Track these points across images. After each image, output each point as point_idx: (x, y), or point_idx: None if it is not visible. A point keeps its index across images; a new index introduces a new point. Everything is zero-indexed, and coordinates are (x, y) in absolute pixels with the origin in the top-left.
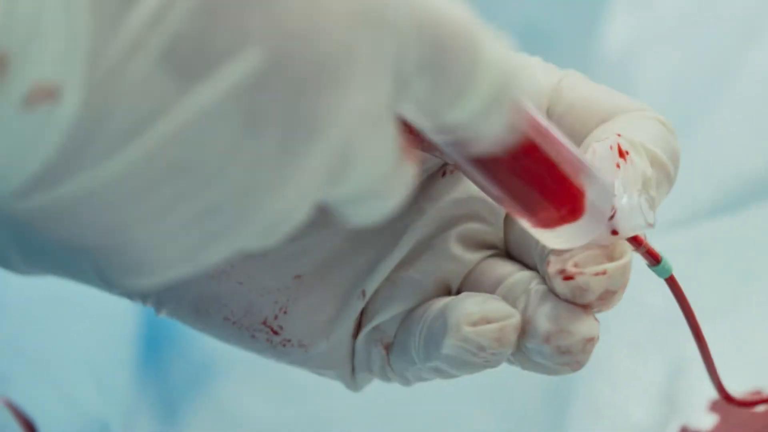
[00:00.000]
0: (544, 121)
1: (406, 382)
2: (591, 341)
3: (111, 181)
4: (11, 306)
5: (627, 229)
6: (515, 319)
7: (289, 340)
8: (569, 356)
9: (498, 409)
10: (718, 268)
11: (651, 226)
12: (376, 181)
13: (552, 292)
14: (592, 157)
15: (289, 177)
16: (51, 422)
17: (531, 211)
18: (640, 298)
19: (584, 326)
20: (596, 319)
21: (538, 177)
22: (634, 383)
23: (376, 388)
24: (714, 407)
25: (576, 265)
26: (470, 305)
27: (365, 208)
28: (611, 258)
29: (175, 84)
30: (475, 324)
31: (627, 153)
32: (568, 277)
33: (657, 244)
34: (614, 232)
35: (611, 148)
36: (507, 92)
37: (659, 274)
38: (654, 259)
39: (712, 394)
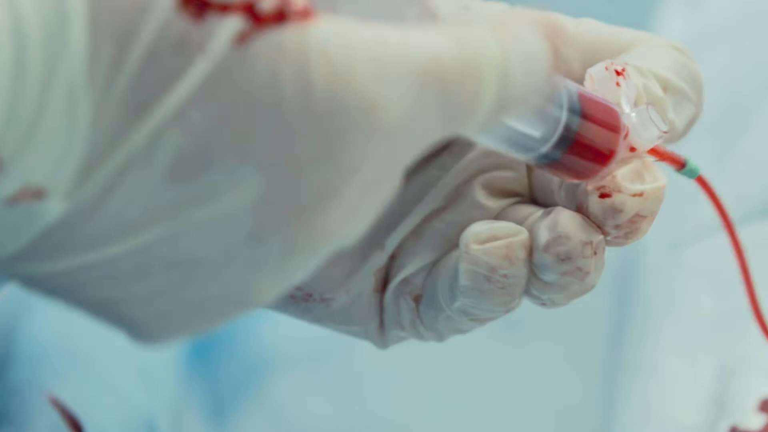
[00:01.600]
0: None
1: (439, 335)
2: (589, 245)
3: (98, 267)
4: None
5: (643, 144)
6: (523, 235)
7: (310, 295)
8: (570, 263)
9: (547, 409)
10: None
11: (666, 133)
12: None
13: (579, 209)
14: (591, 84)
15: (290, 273)
16: (97, 420)
17: (576, 176)
18: (690, 299)
19: (581, 230)
20: (597, 229)
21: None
22: (683, 384)
23: (430, 386)
24: (763, 407)
25: (615, 179)
26: (478, 226)
27: None
28: (644, 180)
29: (169, 194)
30: (483, 242)
31: (623, 70)
32: (605, 195)
33: (707, 244)
34: (632, 149)
35: (606, 69)
36: (510, 100)
37: (688, 176)
38: (678, 164)
39: (761, 394)
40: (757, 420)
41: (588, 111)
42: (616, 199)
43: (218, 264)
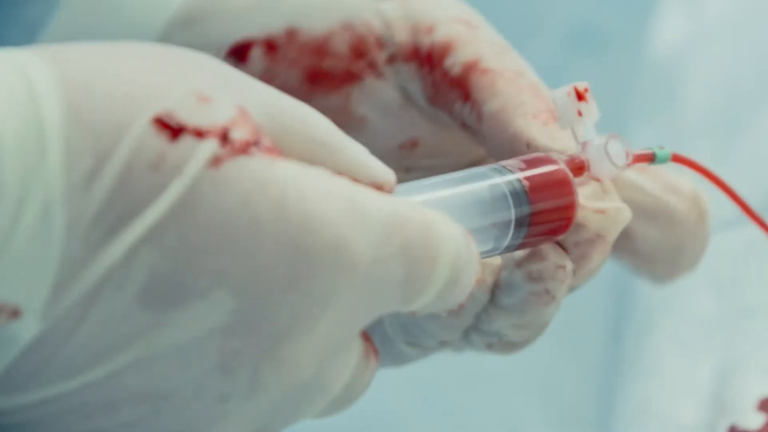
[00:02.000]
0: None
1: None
2: (562, 269)
3: (68, 398)
4: None
5: (601, 175)
6: (497, 261)
7: None
8: (540, 283)
9: (547, 408)
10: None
11: (624, 168)
12: (339, 392)
13: None
14: (555, 107)
15: (255, 409)
16: None
17: (549, 238)
18: (689, 299)
19: (555, 253)
20: (567, 253)
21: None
22: (682, 383)
23: (429, 386)
24: (762, 407)
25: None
26: None
27: (327, 411)
28: (605, 201)
29: (142, 318)
30: None
31: (585, 91)
32: None
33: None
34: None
35: (569, 94)
36: (456, 276)
37: (664, 162)
38: (649, 159)
39: (761, 393)
40: (756, 419)
41: (535, 197)
42: (579, 214)
43: (187, 396)
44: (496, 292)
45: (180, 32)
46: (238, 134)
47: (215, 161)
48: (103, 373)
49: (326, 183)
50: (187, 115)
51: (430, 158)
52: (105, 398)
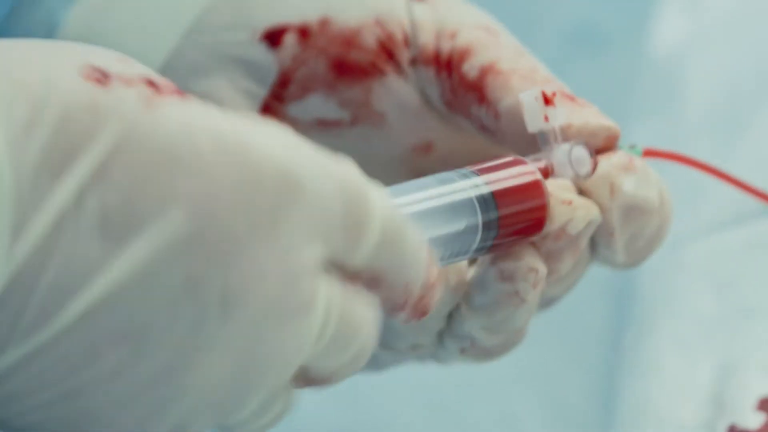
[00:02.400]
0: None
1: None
2: (534, 272)
3: (51, 346)
4: None
5: (566, 178)
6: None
7: None
8: (510, 284)
9: (547, 408)
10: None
11: (588, 174)
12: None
13: None
14: (522, 109)
15: (235, 333)
16: None
17: (523, 236)
18: (690, 299)
19: (530, 256)
20: (542, 258)
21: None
22: (682, 383)
23: (430, 386)
24: (762, 406)
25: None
26: None
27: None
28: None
29: (103, 248)
30: None
31: (553, 95)
32: None
33: (706, 242)
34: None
35: (536, 99)
36: (393, 231)
37: (636, 154)
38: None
39: (761, 393)
40: (756, 419)
41: (503, 200)
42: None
43: (161, 327)
44: (469, 290)
45: (216, 13)
46: (163, 82)
47: (148, 101)
48: (76, 315)
49: (259, 124)
50: (112, 68)
51: (443, 165)
52: (84, 345)
